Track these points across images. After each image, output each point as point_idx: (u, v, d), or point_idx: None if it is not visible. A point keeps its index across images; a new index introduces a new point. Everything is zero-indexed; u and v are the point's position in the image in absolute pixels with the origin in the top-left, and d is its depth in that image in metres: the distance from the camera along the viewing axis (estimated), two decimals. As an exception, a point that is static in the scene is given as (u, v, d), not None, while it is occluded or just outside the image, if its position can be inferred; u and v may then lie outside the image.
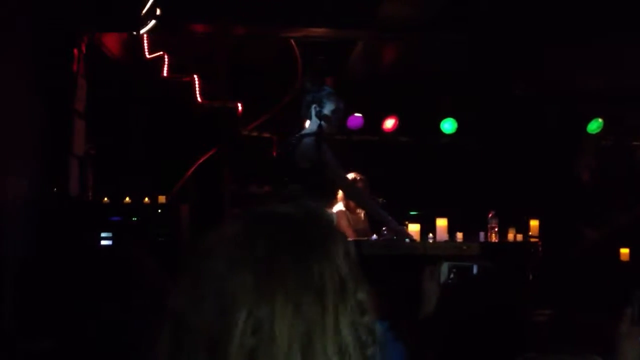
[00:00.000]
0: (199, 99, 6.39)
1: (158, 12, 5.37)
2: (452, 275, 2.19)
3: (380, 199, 5.59)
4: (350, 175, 5.37)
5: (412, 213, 6.39)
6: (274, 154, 5.55)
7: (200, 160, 6.05)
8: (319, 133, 5.00)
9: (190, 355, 0.84)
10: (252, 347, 0.82)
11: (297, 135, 5.07)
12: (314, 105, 4.99)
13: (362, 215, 5.70)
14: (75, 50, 5.19)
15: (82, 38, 5.32)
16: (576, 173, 7.14)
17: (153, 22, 5.37)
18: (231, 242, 0.88)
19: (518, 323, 1.98)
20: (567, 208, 7.04)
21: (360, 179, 5.49)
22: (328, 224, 0.93)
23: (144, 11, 5.30)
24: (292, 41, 6.41)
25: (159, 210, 5.12)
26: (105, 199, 5.21)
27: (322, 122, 4.90)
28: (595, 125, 7.52)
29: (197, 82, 6.39)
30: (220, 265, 0.86)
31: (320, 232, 0.90)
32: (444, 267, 2.15)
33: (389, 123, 7.32)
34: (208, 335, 0.83)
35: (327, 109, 5.01)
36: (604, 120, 7.52)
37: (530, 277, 6.96)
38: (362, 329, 0.86)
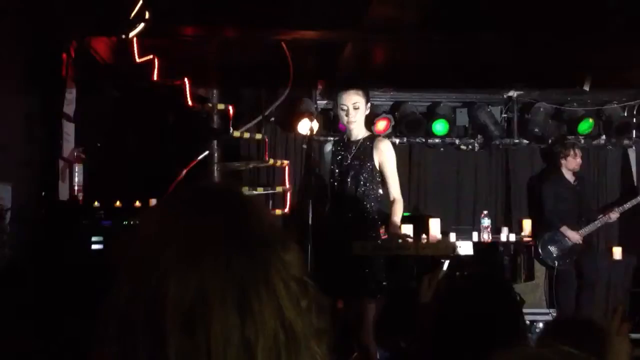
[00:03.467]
0: (189, 102, 6.37)
1: (147, 15, 5.34)
2: (447, 280, 2.19)
3: None
4: None
5: (404, 214, 6.39)
6: None
7: (192, 163, 6.03)
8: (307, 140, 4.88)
9: (132, 338, 0.87)
10: (187, 309, 0.85)
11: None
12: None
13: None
14: (65, 54, 5.17)
15: (71, 42, 5.30)
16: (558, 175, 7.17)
17: (142, 25, 5.35)
18: (155, 226, 0.94)
19: (511, 324, 1.97)
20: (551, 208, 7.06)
21: None
22: (242, 194, 1.02)
23: (132, 14, 5.28)
24: (282, 43, 6.40)
25: (151, 214, 5.09)
26: (96, 202, 5.18)
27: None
28: (586, 126, 7.53)
29: (187, 85, 6.37)
30: (149, 249, 0.91)
31: (237, 200, 0.98)
32: (441, 273, 2.15)
33: (381, 125, 7.31)
34: (145, 312, 0.86)
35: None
36: (594, 120, 7.54)
37: (523, 277, 6.98)
38: (293, 282, 0.91)
